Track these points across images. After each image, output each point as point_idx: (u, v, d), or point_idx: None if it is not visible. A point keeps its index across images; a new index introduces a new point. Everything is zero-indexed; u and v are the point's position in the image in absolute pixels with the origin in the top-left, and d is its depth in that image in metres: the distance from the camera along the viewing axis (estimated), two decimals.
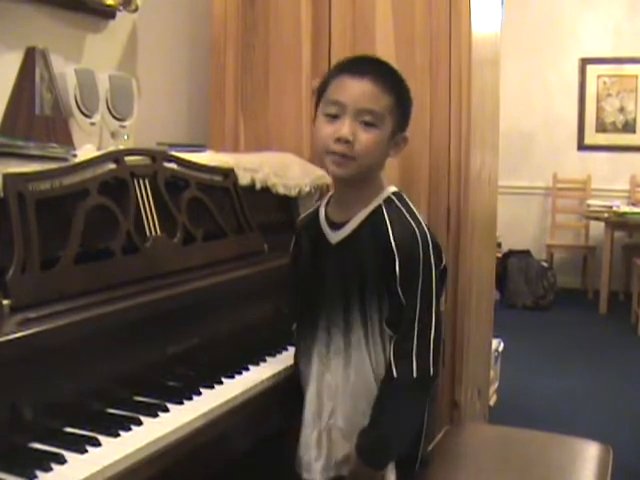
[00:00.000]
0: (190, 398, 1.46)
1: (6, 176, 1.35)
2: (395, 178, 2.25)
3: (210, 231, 1.84)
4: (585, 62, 6.59)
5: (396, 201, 1.52)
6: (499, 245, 5.57)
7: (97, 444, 1.23)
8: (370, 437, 1.48)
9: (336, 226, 1.54)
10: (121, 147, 1.89)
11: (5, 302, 1.27)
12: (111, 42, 2.45)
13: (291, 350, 1.71)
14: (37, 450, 1.21)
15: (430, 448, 1.77)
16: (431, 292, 1.46)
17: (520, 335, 4.82)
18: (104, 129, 2.16)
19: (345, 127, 1.43)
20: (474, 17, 2.34)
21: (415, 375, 1.44)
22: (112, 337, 1.41)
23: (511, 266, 6.08)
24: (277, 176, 2.17)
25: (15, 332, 1.21)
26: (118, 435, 1.27)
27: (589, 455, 1.81)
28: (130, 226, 1.58)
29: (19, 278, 1.31)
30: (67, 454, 1.18)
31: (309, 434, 1.56)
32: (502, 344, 3.64)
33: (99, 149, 1.90)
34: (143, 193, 1.66)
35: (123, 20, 2.46)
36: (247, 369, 1.66)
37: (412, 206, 1.53)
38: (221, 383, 1.56)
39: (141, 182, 1.66)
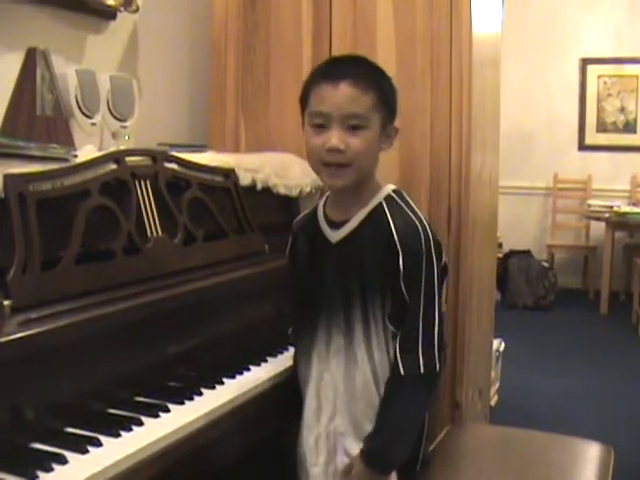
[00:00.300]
0: (191, 398, 1.46)
1: (7, 177, 1.35)
2: (395, 179, 2.25)
3: (211, 231, 1.84)
4: (586, 62, 6.59)
5: (397, 198, 1.52)
6: (500, 245, 5.57)
7: (98, 444, 1.23)
8: (378, 441, 1.47)
9: (336, 225, 1.54)
10: (122, 147, 1.90)
11: (6, 302, 1.27)
12: (112, 43, 2.45)
13: (292, 350, 1.71)
14: (38, 450, 1.21)
15: (431, 448, 1.77)
16: (434, 287, 1.47)
17: (521, 335, 4.82)
18: (105, 129, 2.16)
19: (334, 137, 1.43)
20: (475, 17, 2.34)
21: (422, 371, 1.44)
22: (113, 337, 1.41)
23: (512, 266, 6.08)
24: (278, 176, 2.17)
25: (16, 332, 1.21)
26: (119, 435, 1.28)
27: (590, 455, 1.81)
28: (131, 227, 1.59)
29: (20, 279, 1.31)
30: (68, 454, 1.18)
31: (308, 436, 1.56)
32: (503, 344, 3.64)
33: (100, 150, 1.91)
34: (144, 194, 1.66)
35: (124, 21, 2.46)
36: (248, 369, 1.66)
37: (412, 203, 1.54)
38: (222, 383, 1.56)
39: (142, 183, 1.67)
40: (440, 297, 1.49)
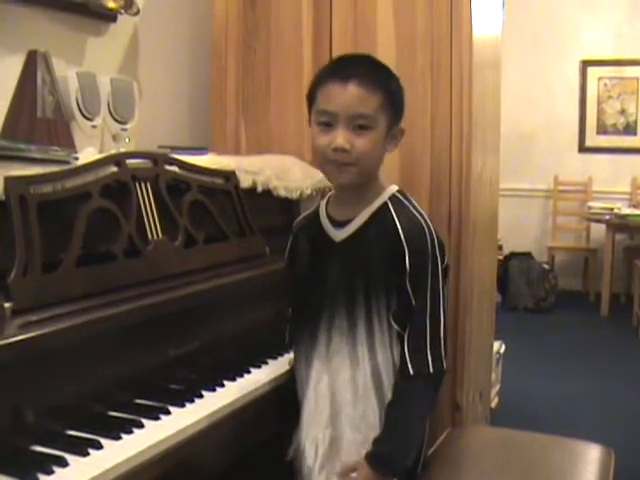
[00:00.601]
0: (191, 401, 1.46)
1: (8, 179, 1.36)
2: (396, 180, 2.24)
3: (211, 234, 1.84)
4: (586, 64, 6.59)
5: (402, 198, 1.54)
6: (500, 247, 5.57)
7: (99, 447, 1.23)
8: (388, 443, 1.47)
9: (339, 224, 1.54)
10: (122, 150, 1.90)
11: (7, 305, 1.27)
12: (112, 45, 2.45)
13: (292, 353, 1.71)
14: (39, 453, 1.21)
15: (432, 451, 1.77)
16: (439, 286, 1.48)
17: (521, 337, 4.82)
18: (105, 132, 2.16)
19: (339, 137, 1.43)
20: (475, 19, 2.34)
21: (431, 370, 1.45)
22: (114, 340, 1.41)
23: (512, 268, 6.08)
24: (278, 179, 2.17)
25: (17, 335, 1.21)
26: (120, 438, 1.28)
27: (591, 458, 1.81)
28: (132, 229, 1.59)
29: (21, 281, 1.31)
30: (69, 457, 1.18)
31: (306, 438, 1.55)
32: (503, 346, 3.64)
33: (100, 152, 1.91)
34: (145, 196, 1.66)
35: (124, 23, 2.46)
36: (248, 372, 1.66)
37: (416, 204, 1.55)
38: (222, 386, 1.56)
39: (143, 185, 1.67)
40: (444, 296, 1.50)
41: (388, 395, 1.49)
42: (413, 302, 1.47)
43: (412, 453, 1.52)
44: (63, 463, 1.17)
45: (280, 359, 1.75)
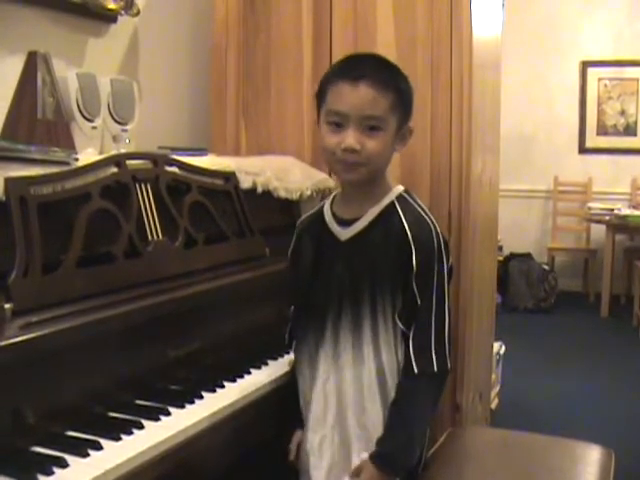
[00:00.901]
0: (192, 402, 1.46)
1: (8, 180, 1.36)
2: (396, 181, 2.24)
3: (212, 235, 1.84)
4: (586, 65, 6.59)
5: (408, 198, 1.54)
6: (500, 248, 5.57)
7: (99, 448, 1.23)
8: (392, 442, 1.47)
9: (345, 223, 1.54)
10: (123, 151, 1.90)
11: (7, 306, 1.27)
12: (113, 46, 2.45)
13: (292, 354, 1.70)
14: (39, 454, 1.21)
15: (432, 451, 1.77)
16: (444, 286, 1.49)
17: (521, 338, 4.82)
18: (106, 133, 2.16)
19: (350, 137, 1.43)
20: (475, 20, 2.34)
21: (436, 369, 1.46)
22: (114, 341, 1.41)
23: (512, 269, 6.08)
24: (278, 180, 2.17)
25: (17, 336, 1.21)
26: (120, 439, 1.27)
27: (591, 459, 1.81)
28: (132, 230, 1.59)
29: (21, 282, 1.31)
30: (69, 458, 1.18)
31: (313, 438, 1.55)
32: (503, 347, 3.64)
33: (100, 153, 1.91)
34: (145, 197, 1.66)
35: (125, 24, 2.46)
36: (249, 373, 1.66)
37: (422, 203, 1.56)
38: (223, 387, 1.56)
39: (143, 186, 1.67)
40: (449, 296, 1.51)
41: (392, 394, 1.50)
42: (419, 301, 1.47)
43: (416, 452, 1.52)
44: (63, 464, 1.16)
45: (280, 360, 1.75)
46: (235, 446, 1.52)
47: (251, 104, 2.62)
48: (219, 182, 1.94)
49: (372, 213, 1.51)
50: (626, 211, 5.89)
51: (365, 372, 1.50)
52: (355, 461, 1.51)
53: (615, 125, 6.62)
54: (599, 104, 6.63)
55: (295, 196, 2.23)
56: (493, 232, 2.81)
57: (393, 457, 1.47)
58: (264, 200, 2.13)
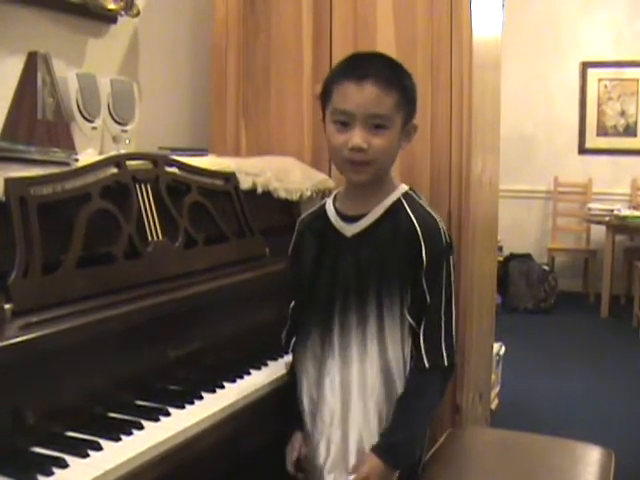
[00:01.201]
0: (192, 402, 1.46)
1: (8, 180, 1.36)
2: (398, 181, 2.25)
3: (212, 235, 1.84)
4: (586, 66, 6.59)
5: (414, 196, 1.56)
6: (500, 249, 5.57)
7: (99, 448, 1.23)
8: (396, 433, 1.48)
9: (350, 219, 1.54)
10: (122, 151, 1.90)
11: (7, 306, 1.27)
12: (113, 46, 2.45)
13: (290, 355, 1.70)
14: (39, 454, 1.21)
15: (432, 452, 1.77)
16: (452, 282, 1.52)
17: (521, 339, 4.82)
18: (106, 133, 2.16)
19: (356, 136, 1.44)
20: (475, 20, 2.34)
21: (446, 363, 1.49)
22: (114, 341, 1.41)
23: (512, 270, 6.08)
24: (278, 180, 2.17)
25: (17, 336, 1.21)
26: (120, 439, 1.27)
27: (591, 459, 1.81)
28: (132, 230, 1.59)
29: (21, 282, 1.31)
30: (69, 458, 1.18)
31: (319, 439, 1.54)
32: (503, 348, 3.64)
33: (100, 153, 1.91)
34: (145, 197, 1.66)
35: (125, 24, 2.46)
36: (249, 373, 1.66)
37: (425, 201, 1.58)
38: (223, 387, 1.56)
39: (143, 186, 1.67)
40: (454, 292, 1.53)
41: (397, 391, 1.50)
42: (428, 297, 1.49)
43: (418, 447, 1.54)
44: (63, 464, 1.16)
45: (280, 360, 1.75)
46: (235, 446, 1.52)
47: (251, 104, 2.62)
48: (219, 183, 1.94)
49: (379, 210, 1.52)
50: (626, 211, 5.89)
51: (370, 369, 1.50)
52: (352, 460, 1.51)
53: (615, 126, 6.62)
54: (599, 104, 6.63)
55: (295, 197, 2.23)
56: (493, 232, 2.81)
57: (398, 449, 1.48)
58: (264, 200, 2.13)
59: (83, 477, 1.14)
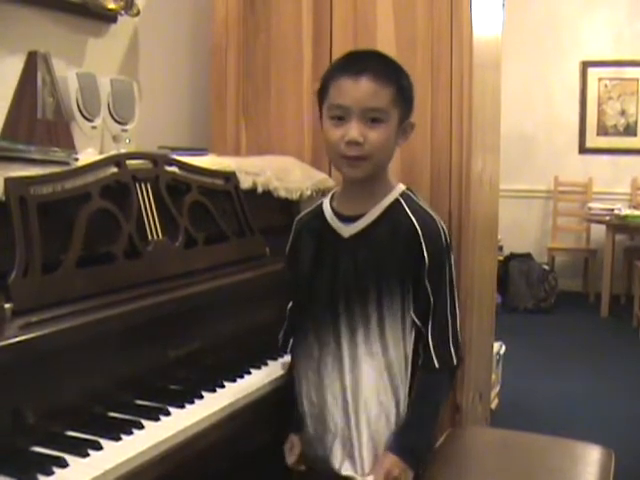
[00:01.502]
0: (192, 402, 1.46)
1: (8, 180, 1.36)
2: (396, 180, 2.25)
3: (212, 235, 1.84)
4: (586, 65, 6.59)
5: (412, 195, 1.56)
6: (500, 248, 5.56)
7: (99, 448, 1.23)
8: (414, 434, 1.49)
9: (348, 220, 1.54)
10: (123, 151, 1.90)
11: (7, 306, 1.27)
12: (113, 46, 2.45)
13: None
14: (39, 454, 1.21)
15: (432, 451, 1.77)
16: (454, 280, 1.52)
17: (522, 338, 4.81)
18: (106, 133, 2.16)
19: (353, 130, 1.44)
20: (475, 19, 2.34)
21: (455, 362, 1.51)
22: (114, 341, 1.41)
23: (512, 269, 6.08)
24: (278, 180, 2.17)
25: (17, 336, 1.21)
26: (120, 439, 1.27)
27: (591, 459, 1.81)
28: (132, 230, 1.59)
29: (21, 282, 1.31)
30: (69, 457, 1.18)
31: (325, 439, 1.54)
32: (504, 347, 3.64)
33: (101, 153, 1.91)
34: (145, 197, 1.66)
35: (125, 24, 2.46)
36: (249, 373, 1.66)
37: (423, 201, 1.58)
38: (223, 387, 1.56)
39: (143, 186, 1.67)
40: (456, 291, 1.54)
41: (400, 389, 1.50)
42: (432, 297, 1.49)
43: (433, 444, 1.56)
44: (63, 464, 1.16)
45: (280, 360, 1.75)
46: (235, 446, 1.52)
47: (251, 104, 2.62)
48: (219, 182, 1.94)
49: (377, 210, 1.52)
50: (626, 211, 5.89)
51: (373, 368, 1.50)
52: (356, 458, 1.50)
53: (615, 125, 6.62)
54: (599, 104, 6.63)
55: (295, 196, 2.23)
56: (493, 232, 2.81)
57: (415, 450, 1.49)
58: (264, 200, 2.13)
59: (83, 477, 1.14)
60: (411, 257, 1.48)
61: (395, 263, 1.49)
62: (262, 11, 2.58)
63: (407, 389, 1.51)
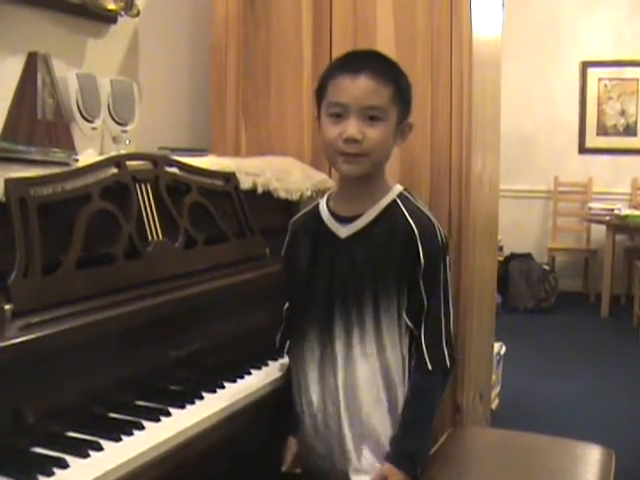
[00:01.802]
0: (192, 402, 1.46)
1: (8, 181, 1.35)
2: (396, 180, 2.24)
3: (212, 235, 1.84)
4: (586, 65, 6.59)
5: (409, 196, 1.56)
6: (500, 248, 5.56)
7: (99, 448, 1.23)
8: (411, 440, 1.49)
9: (345, 220, 1.54)
10: (123, 151, 1.90)
11: (7, 307, 1.27)
12: (113, 47, 2.45)
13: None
14: (39, 454, 1.21)
15: (432, 452, 1.77)
16: (448, 282, 1.52)
17: (522, 338, 4.81)
18: (106, 134, 2.16)
19: (351, 127, 1.44)
20: (475, 19, 2.34)
21: (448, 364, 1.50)
22: (114, 341, 1.41)
23: (513, 269, 6.08)
24: (278, 180, 2.17)
25: (17, 337, 1.21)
26: (120, 439, 1.27)
27: (591, 459, 1.81)
28: (132, 230, 1.59)
29: (21, 282, 1.31)
30: (69, 458, 1.18)
31: (324, 441, 1.54)
32: (504, 347, 3.64)
33: (101, 154, 1.91)
34: (145, 197, 1.66)
35: (124, 25, 2.46)
36: (249, 373, 1.66)
37: (420, 202, 1.57)
38: (223, 387, 1.56)
39: (143, 187, 1.67)
40: (451, 292, 1.54)
41: (397, 390, 1.50)
42: (426, 298, 1.49)
43: (430, 445, 1.56)
44: (63, 464, 1.16)
45: (281, 360, 1.75)
46: (235, 446, 1.52)
47: (251, 103, 2.62)
48: (219, 183, 1.94)
49: (374, 211, 1.52)
50: (626, 211, 5.89)
51: (370, 370, 1.50)
52: (353, 460, 1.50)
53: (615, 125, 6.62)
54: (599, 104, 6.63)
55: (295, 197, 2.23)
56: (493, 232, 2.81)
57: (412, 455, 1.49)
58: (264, 201, 2.13)
59: (83, 477, 1.14)
60: (408, 258, 1.48)
61: (392, 264, 1.49)
62: (262, 11, 2.58)
63: (406, 389, 1.51)
